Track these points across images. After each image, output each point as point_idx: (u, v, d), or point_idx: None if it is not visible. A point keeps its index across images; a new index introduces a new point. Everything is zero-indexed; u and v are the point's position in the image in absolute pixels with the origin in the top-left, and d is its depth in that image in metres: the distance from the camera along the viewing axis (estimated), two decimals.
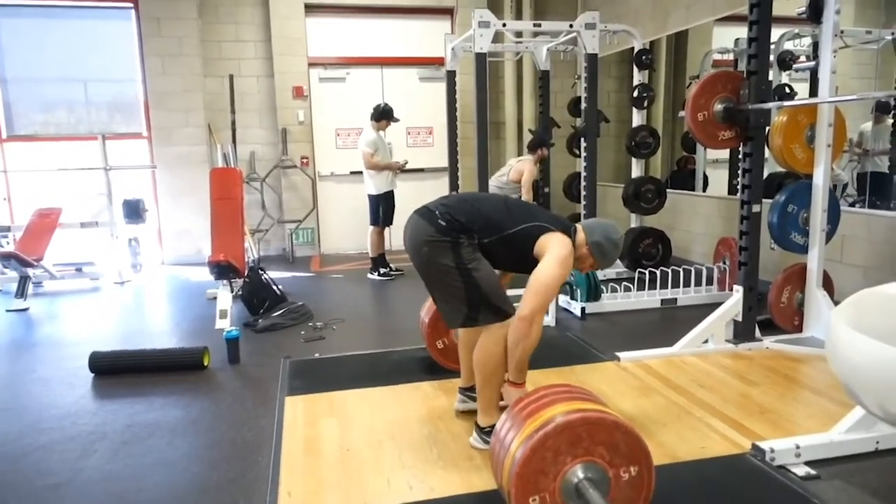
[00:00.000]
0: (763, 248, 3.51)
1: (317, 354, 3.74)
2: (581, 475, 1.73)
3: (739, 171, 3.58)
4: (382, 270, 5.89)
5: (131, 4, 6.53)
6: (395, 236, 6.81)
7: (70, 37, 6.62)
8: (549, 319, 4.20)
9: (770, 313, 3.70)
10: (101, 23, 6.67)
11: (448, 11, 7.33)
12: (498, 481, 1.87)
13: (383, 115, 5.77)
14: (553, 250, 2.30)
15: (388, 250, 6.15)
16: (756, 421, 2.64)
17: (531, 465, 1.71)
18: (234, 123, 6.73)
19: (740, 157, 3.58)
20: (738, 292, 3.50)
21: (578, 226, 2.50)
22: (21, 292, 5.14)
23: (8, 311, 5.01)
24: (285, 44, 6.93)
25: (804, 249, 3.57)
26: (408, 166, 6.05)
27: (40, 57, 6.59)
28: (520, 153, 7.20)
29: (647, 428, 2.59)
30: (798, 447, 2.29)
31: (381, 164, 5.71)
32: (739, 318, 3.52)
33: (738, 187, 4.00)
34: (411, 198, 6.24)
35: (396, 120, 5.89)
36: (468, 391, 2.75)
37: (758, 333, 3.57)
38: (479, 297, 2.34)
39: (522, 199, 5.78)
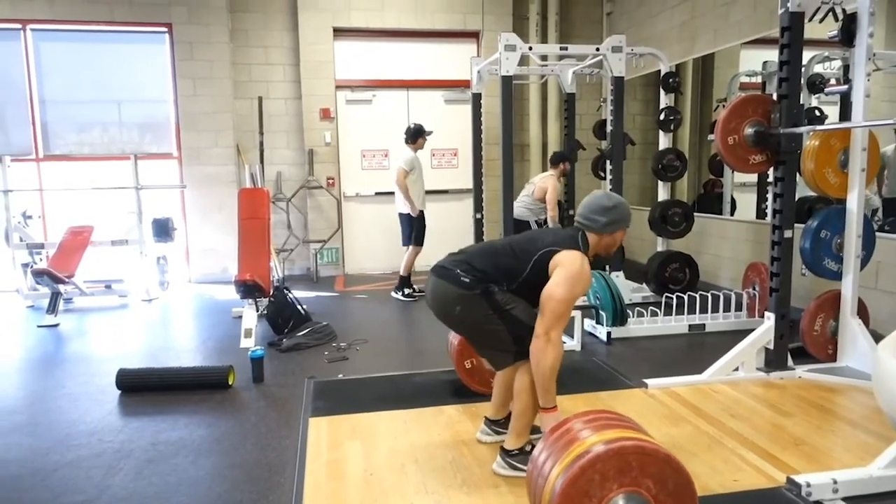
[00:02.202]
0: (794, 274, 3.44)
1: (340, 375, 3.74)
2: None
3: (769, 196, 3.53)
4: (407, 291, 5.88)
5: (165, 29, 6.71)
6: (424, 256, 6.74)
7: (105, 59, 6.81)
8: (575, 344, 4.15)
9: (802, 341, 3.61)
10: (136, 46, 6.86)
11: (474, 35, 7.41)
12: (533, 487, 1.82)
13: (417, 134, 5.80)
14: (561, 269, 2.28)
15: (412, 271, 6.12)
16: (790, 453, 2.56)
17: (577, 486, 1.67)
18: (262, 144, 6.84)
19: (769, 180, 3.53)
20: (769, 319, 3.42)
21: (582, 227, 2.44)
22: (52, 308, 5.24)
23: (39, 326, 5.10)
24: (313, 67, 7.05)
25: (837, 276, 3.49)
26: (432, 188, 6.08)
27: (76, 79, 6.78)
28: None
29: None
30: (835, 482, 2.22)
31: (405, 190, 5.69)
32: (771, 346, 3.43)
33: (768, 211, 3.93)
34: (436, 218, 6.28)
35: (430, 132, 5.90)
36: (495, 424, 2.71)
37: (790, 362, 3.48)
38: (524, 330, 2.33)
39: (549, 217, 5.76)
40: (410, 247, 5.88)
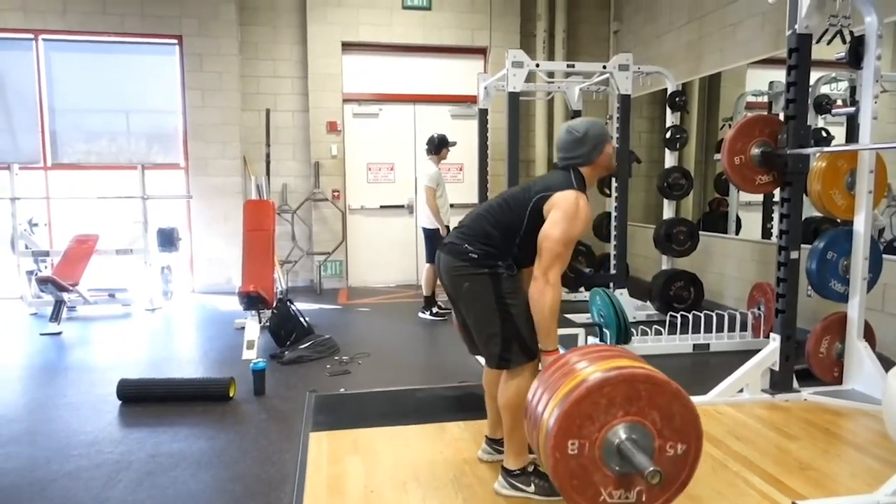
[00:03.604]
0: (799, 295, 3.42)
1: (342, 389, 3.72)
2: (625, 435, 1.63)
3: (775, 216, 3.52)
4: (434, 310, 5.70)
5: (176, 41, 6.77)
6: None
7: (115, 70, 6.87)
8: None
9: (808, 363, 3.58)
10: (146, 57, 6.92)
11: (481, 51, 7.45)
12: (533, 430, 1.76)
13: (441, 145, 5.67)
14: (556, 210, 2.25)
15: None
16: (796, 478, 2.53)
17: (581, 407, 1.62)
18: (268, 156, 6.87)
19: (775, 200, 3.52)
20: (774, 340, 3.40)
21: (573, 166, 2.40)
22: (55, 316, 5.24)
23: (42, 334, 5.10)
24: (321, 80, 7.09)
25: (844, 298, 3.47)
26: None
27: (86, 88, 6.84)
28: None
29: None
30: None
31: (434, 210, 5.59)
32: (776, 368, 3.40)
33: (773, 231, 3.91)
34: None
35: (454, 143, 5.79)
36: (495, 442, 2.68)
37: (795, 384, 3.45)
38: (514, 334, 2.30)
39: None
40: (428, 265, 5.71)
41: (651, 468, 1.58)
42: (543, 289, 2.19)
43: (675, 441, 1.66)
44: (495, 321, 2.31)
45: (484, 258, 2.32)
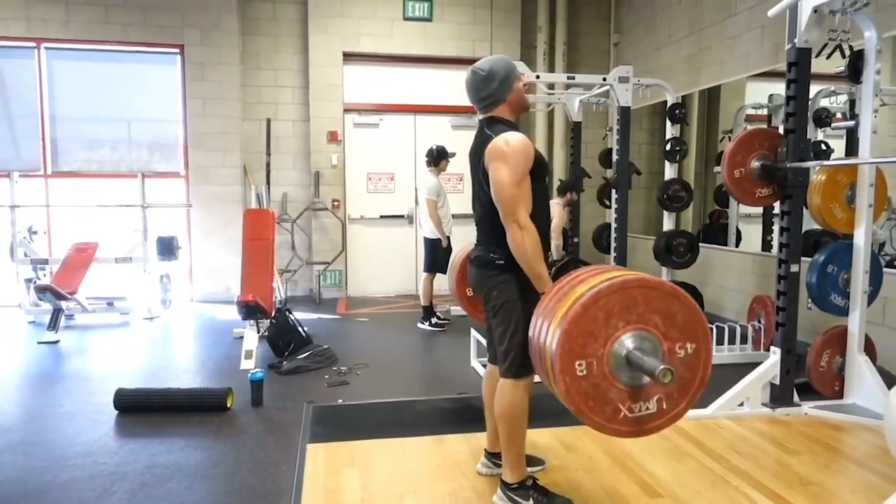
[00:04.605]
0: (799, 307, 3.40)
1: (340, 400, 3.70)
2: (631, 345, 1.59)
3: (775, 229, 3.52)
4: (433, 320, 5.68)
5: (177, 50, 6.80)
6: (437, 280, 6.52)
7: (117, 78, 6.88)
8: None
9: (808, 377, 3.56)
10: (148, 66, 6.94)
11: None
12: (540, 362, 1.71)
13: (441, 156, 5.68)
14: (491, 163, 2.23)
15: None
16: (796, 493, 2.51)
17: (581, 325, 1.58)
18: (268, 165, 6.89)
19: (775, 213, 3.52)
20: (775, 354, 3.38)
21: (486, 112, 2.39)
22: (53, 325, 5.23)
23: (39, 343, 5.08)
24: (322, 90, 7.11)
25: (844, 311, 3.45)
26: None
27: (88, 97, 6.85)
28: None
29: (681, 495, 2.48)
30: None
31: (437, 221, 5.59)
32: (776, 381, 3.39)
33: (773, 244, 3.90)
34: None
35: (453, 154, 5.79)
36: (494, 456, 2.65)
37: (796, 398, 3.43)
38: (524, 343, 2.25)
39: (553, 246, 5.71)
40: (425, 274, 5.70)
41: (661, 366, 1.55)
42: (519, 235, 2.16)
43: (683, 341, 1.63)
44: (519, 331, 2.29)
45: (511, 260, 2.26)
